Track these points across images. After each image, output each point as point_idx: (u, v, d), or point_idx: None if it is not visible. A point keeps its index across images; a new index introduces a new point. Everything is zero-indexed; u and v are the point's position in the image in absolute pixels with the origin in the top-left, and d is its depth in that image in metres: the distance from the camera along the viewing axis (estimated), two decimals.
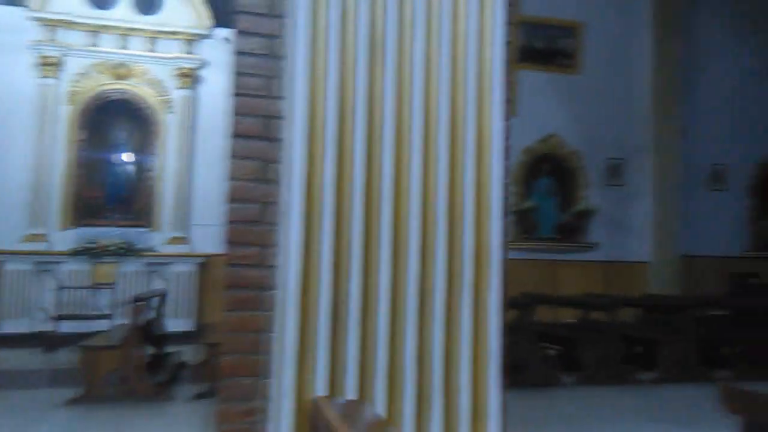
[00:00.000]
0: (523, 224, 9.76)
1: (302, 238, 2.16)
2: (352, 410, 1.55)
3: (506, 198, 2.56)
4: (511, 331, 6.01)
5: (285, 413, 2.11)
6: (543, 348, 6.46)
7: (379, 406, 2.08)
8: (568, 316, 9.14)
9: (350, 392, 2.10)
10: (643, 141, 10.33)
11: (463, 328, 2.32)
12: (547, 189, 10.11)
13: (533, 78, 9.95)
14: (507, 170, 2.59)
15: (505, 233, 2.52)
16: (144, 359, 5.63)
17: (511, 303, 6.08)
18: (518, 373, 5.77)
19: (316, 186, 2.16)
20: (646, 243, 10.19)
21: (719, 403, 1.59)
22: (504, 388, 2.45)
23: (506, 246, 2.52)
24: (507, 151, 2.58)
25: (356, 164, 2.18)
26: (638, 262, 10.19)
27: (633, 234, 10.22)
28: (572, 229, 9.97)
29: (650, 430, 4.26)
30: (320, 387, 2.09)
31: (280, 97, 2.38)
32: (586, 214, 9.89)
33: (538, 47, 10.13)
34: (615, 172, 10.29)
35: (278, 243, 2.26)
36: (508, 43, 2.57)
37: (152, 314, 6.51)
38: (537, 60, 10.07)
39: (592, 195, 10.12)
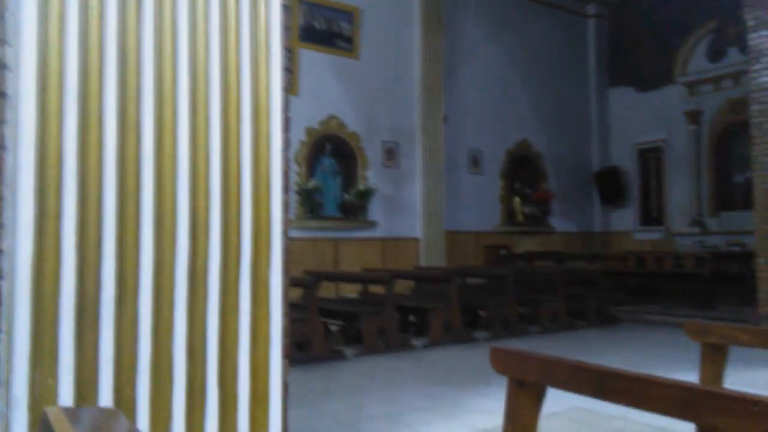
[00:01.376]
0: (307, 204, 9.79)
1: (36, 215, 1.75)
2: (100, 423, 1.26)
3: (287, 171, 2.43)
4: (296, 310, 5.97)
5: (17, 430, 1.71)
6: (326, 324, 6.55)
7: (140, 410, 1.80)
8: (350, 291, 9.47)
9: (104, 398, 1.78)
10: (413, 126, 11.08)
11: (242, 310, 2.14)
12: (330, 169, 10.28)
13: (314, 58, 9.97)
14: (288, 142, 2.45)
15: (287, 208, 2.39)
16: None
17: (295, 282, 6.02)
18: (301, 351, 5.76)
19: (52, 152, 1.77)
20: (416, 220, 11.00)
21: (490, 362, 1.67)
22: (286, 368, 2.34)
23: (288, 221, 2.39)
24: (287, 122, 2.44)
25: (106, 126, 1.83)
26: (411, 238, 10.97)
27: (406, 212, 10.95)
28: (354, 208, 10.30)
29: (424, 390, 4.57)
30: (64, 395, 1.73)
31: (2, 42, 1.90)
32: (366, 194, 10.30)
33: (318, 28, 10.16)
34: (390, 154, 10.86)
35: (4, 222, 1.81)
36: (285, 7, 2.42)
37: None
38: (317, 41, 10.10)
39: (371, 176, 10.57)
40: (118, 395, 1.82)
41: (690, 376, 1.98)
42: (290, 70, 2.46)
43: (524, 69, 12.91)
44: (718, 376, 2.08)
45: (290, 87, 2.47)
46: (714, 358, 2.10)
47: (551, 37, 13.45)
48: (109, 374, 1.80)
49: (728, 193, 12.09)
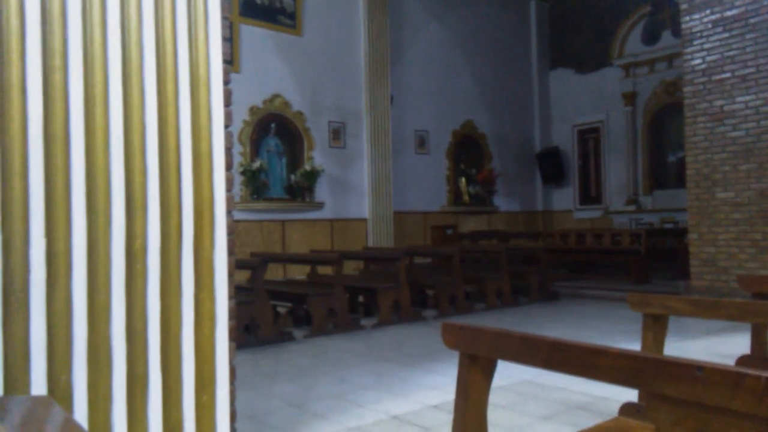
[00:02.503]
0: (252, 185, 9.58)
1: None
2: (31, 413, 1.17)
3: (230, 147, 2.33)
4: (243, 292, 5.85)
5: None
6: (274, 306, 6.46)
7: (77, 398, 1.69)
8: (298, 272, 9.38)
9: (37, 387, 1.66)
10: (359, 106, 10.99)
11: (185, 292, 2.05)
12: (275, 149, 10.08)
13: (256, 34, 9.69)
14: (230, 116, 2.35)
15: (230, 185, 2.30)
16: None
17: (242, 264, 5.89)
18: (249, 333, 5.66)
19: None
20: (364, 201, 10.98)
21: (441, 338, 1.66)
22: (233, 351, 2.27)
23: (232, 200, 2.30)
24: (228, 95, 2.34)
25: (29, 96, 1.69)
26: (359, 218, 10.95)
27: (354, 193, 10.90)
28: (301, 189, 10.17)
29: (374, 369, 4.58)
30: None
31: None
32: (313, 175, 10.17)
33: (259, 3, 9.86)
34: (336, 134, 10.75)
35: None
36: None
37: None
38: (258, 16, 9.80)
39: (317, 156, 10.44)
40: (52, 383, 1.70)
41: (629, 346, 2.04)
42: (230, 40, 2.35)
43: (469, 50, 12.99)
44: (659, 345, 2.15)
45: (231, 59, 2.36)
46: (655, 328, 2.17)
47: (495, 18, 13.58)
48: (42, 361, 1.69)
49: (662, 172, 12.63)
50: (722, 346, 5.06)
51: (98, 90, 1.78)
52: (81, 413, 1.82)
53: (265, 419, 3.47)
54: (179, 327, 1.99)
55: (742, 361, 2.77)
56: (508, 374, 3.97)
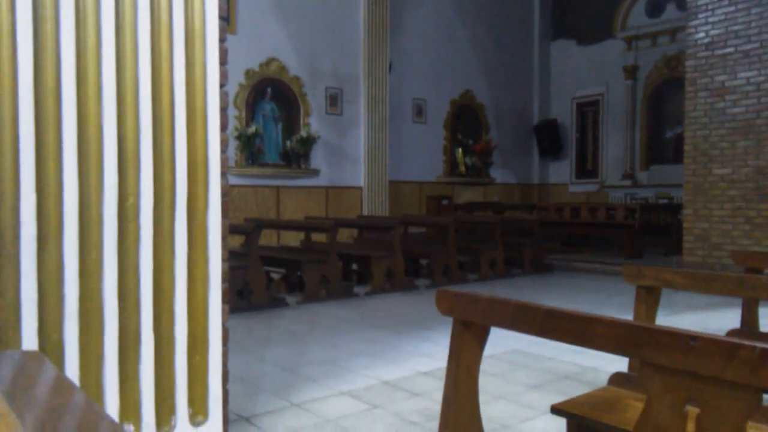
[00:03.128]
0: (247, 150, 9.49)
1: None
2: (22, 367, 1.16)
3: (225, 108, 2.29)
4: (237, 257, 5.84)
5: None
6: (268, 272, 6.47)
7: (69, 356, 1.69)
8: (292, 239, 9.38)
9: (28, 344, 1.65)
10: (357, 73, 10.83)
11: (178, 252, 2.03)
12: (271, 114, 9.96)
13: None
14: (225, 76, 2.30)
15: (225, 147, 2.26)
16: None
17: (236, 229, 5.87)
18: (242, 298, 5.68)
19: None
20: (360, 169, 10.91)
21: (435, 305, 1.66)
22: (226, 313, 2.27)
23: (226, 161, 2.26)
24: (224, 53, 2.28)
25: (19, 48, 1.63)
26: (354, 186, 10.90)
27: (349, 161, 10.83)
28: (296, 156, 10.09)
29: (366, 336, 4.61)
30: None
31: None
32: (309, 141, 10.08)
33: None
34: (333, 101, 10.62)
35: None
36: None
37: None
38: None
39: (313, 122, 10.33)
40: (43, 340, 1.70)
41: (621, 317, 2.05)
42: None
43: (469, 18, 12.76)
44: (651, 318, 2.16)
45: (227, 18, 2.30)
46: (647, 301, 2.18)
47: None
48: (33, 319, 1.67)
49: (659, 147, 12.58)
50: (711, 321, 5.11)
51: (90, 42, 1.73)
52: (72, 371, 1.82)
53: (258, 382, 3.50)
54: (172, 287, 1.98)
55: (732, 334, 2.80)
56: (498, 343, 4.01)
